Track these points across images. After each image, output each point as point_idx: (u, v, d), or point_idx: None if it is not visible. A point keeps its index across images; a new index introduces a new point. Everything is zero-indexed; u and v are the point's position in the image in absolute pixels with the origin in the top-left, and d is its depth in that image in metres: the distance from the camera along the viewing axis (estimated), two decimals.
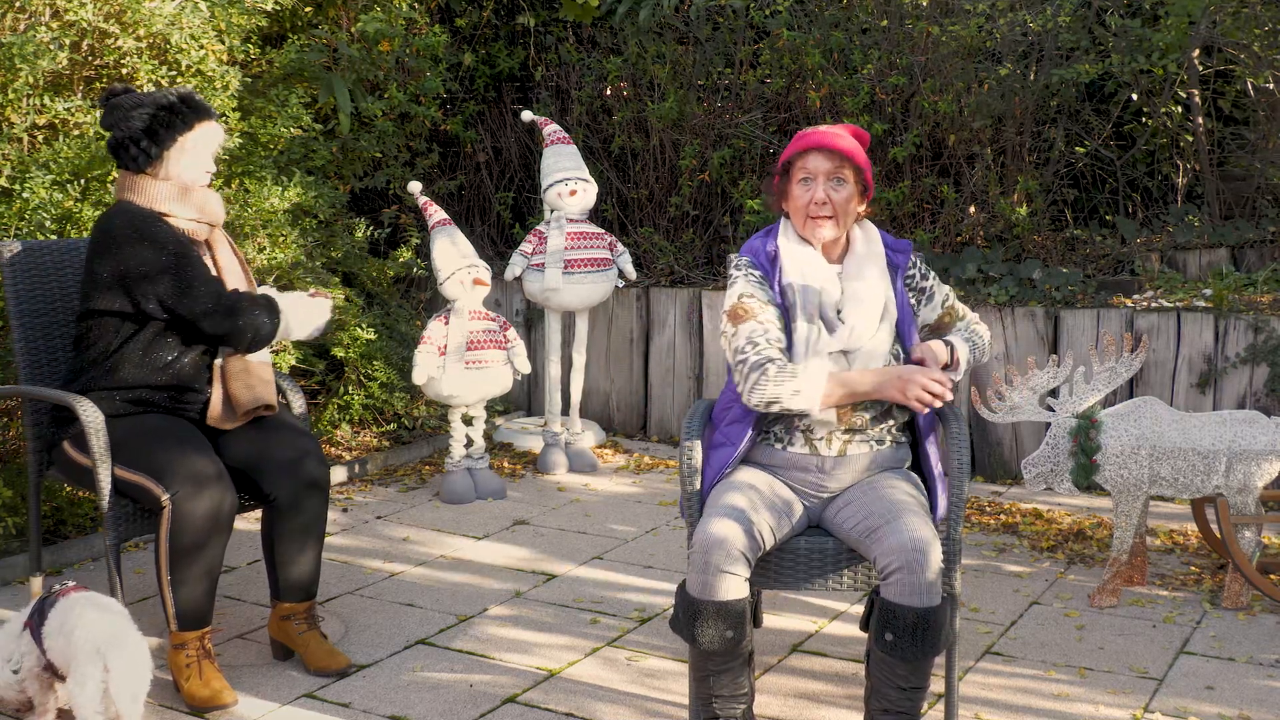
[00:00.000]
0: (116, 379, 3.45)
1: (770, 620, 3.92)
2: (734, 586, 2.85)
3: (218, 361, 3.54)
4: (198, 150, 3.53)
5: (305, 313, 3.63)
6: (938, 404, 2.92)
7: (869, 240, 3.18)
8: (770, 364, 2.95)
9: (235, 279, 3.61)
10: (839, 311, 3.08)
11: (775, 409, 2.96)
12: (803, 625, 3.92)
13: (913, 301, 3.22)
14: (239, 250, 3.74)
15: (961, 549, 3.11)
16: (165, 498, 3.24)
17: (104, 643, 2.90)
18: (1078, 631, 3.84)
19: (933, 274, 3.27)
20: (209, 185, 3.61)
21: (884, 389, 2.95)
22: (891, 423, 3.11)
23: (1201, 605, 4.03)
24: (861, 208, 3.16)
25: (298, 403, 3.85)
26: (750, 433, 3.08)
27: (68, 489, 4.53)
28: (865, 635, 3.00)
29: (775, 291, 3.09)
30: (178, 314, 3.42)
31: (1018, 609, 4.04)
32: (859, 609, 4.01)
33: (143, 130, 3.48)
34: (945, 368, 3.11)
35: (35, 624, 3.05)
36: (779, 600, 4.07)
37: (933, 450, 3.16)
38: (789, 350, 3.04)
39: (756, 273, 3.13)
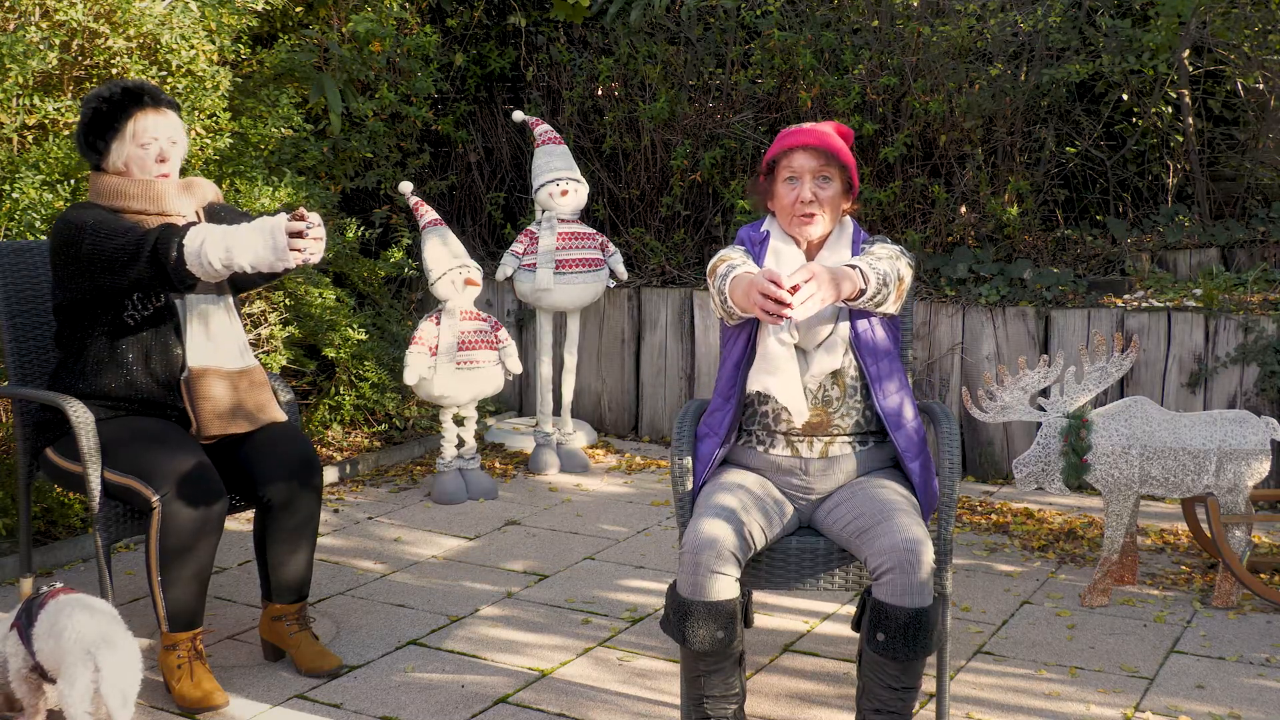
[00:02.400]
0: (91, 385, 3.45)
1: (761, 620, 3.92)
2: (724, 587, 2.85)
3: (184, 376, 3.49)
4: (141, 140, 3.45)
5: (246, 236, 3.16)
6: (776, 317, 2.76)
7: (842, 238, 3.16)
8: (731, 269, 3.00)
9: None
10: None
11: (725, 304, 2.99)
12: (794, 625, 3.92)
13: None
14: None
15: (953, 549, 3.11)
16: (155, 500, 3.23)
17: (94, 644, 2.90)
18: (1069, 631, 3.85)
19: (880, 242, 3.14)
20: (168, 174, 3.50)
21: (744, 297, 2.87)
22: (856, 417, 3.08)
23: (1192, 604, 4.04)
24: (847, 205, 3.15)
25: (284, 396, 3.83)
26: (731, 417, 3.08)
27: (58, 490, 4.52)
28: (857, 635, 3.00)
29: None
30: (104, 284, 3.32)
31: (1009, 608, 4.05)
32: (850, 609, 4.01)
33: (86, 125, 3.47)
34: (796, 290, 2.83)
35: (23, 625, 3.04)
36: (770, 600, 4.07)
37: (902, 441, 3.11)
38: (755, 338, 3.06)
39: (741, 247, 3.17)
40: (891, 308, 3.02)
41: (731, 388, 3.10)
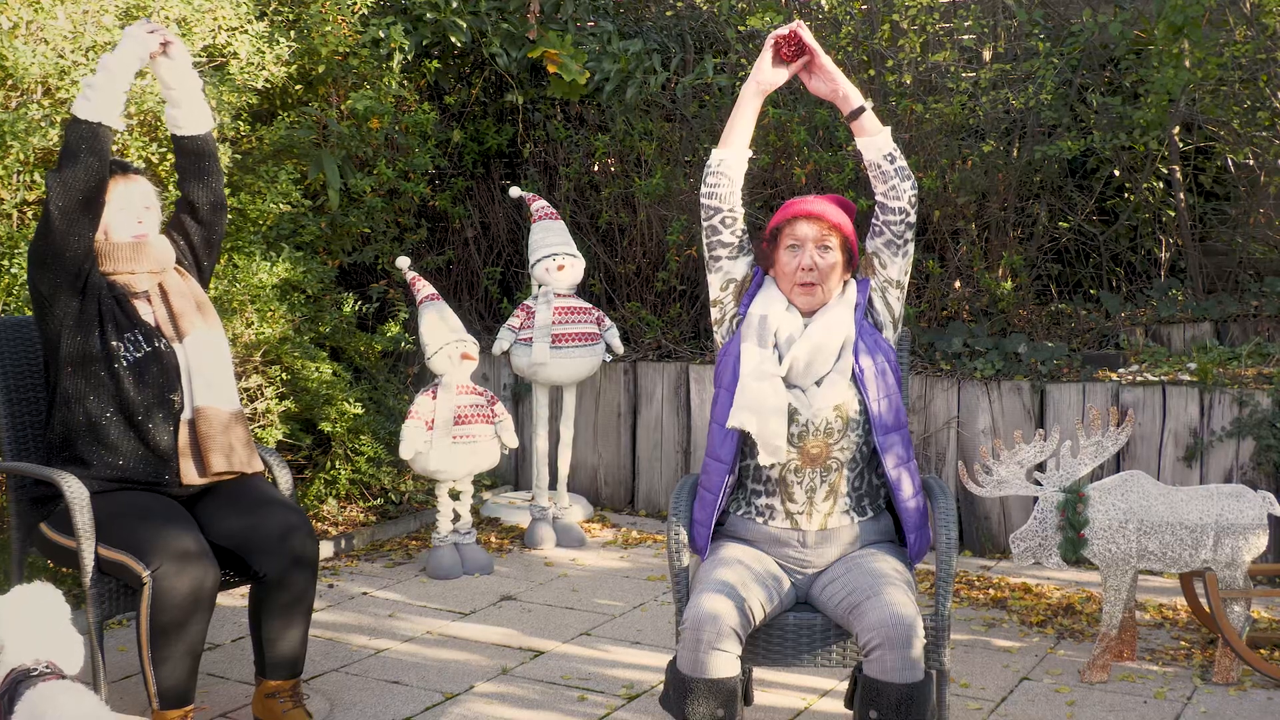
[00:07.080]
0: (90, 449, 3.45)
1: (759, 696, 3.88)
2: (726, 663, 2.83)
3: (185, 417, 3.54)
4: (118, 205, 3.56)
5: (114, 52, 3.50)
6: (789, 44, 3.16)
7: (844, 298, 3.21)
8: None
9: (190, 315, 3.62)
10: (790, 344, 3.11)
11: (717, 162, 3.23)
12: (792, 702, 3.88)
13: (880, 312, 3.25)
14: (195, 285, 3.74)
15: (950, 624, 3.10)
16: (146, 575, 3.21)
17: None
18: (1068, 708, 3.82)
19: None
20: (146, 234, 3.62)
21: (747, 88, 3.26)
22: (853, 452, 3.09)
23: (1192, 680, 4.01)
24: (846, 276, 3.21)
25: (284, 478, 3.83)
26: (734, 457, 3.09)
27: (50, 565, 4.49)
28: (851, 712, 2.98)
29: (742, 306, 3.20)
30: (48, 235, 3.45)
31: (1008, 685, 4.02)
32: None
33: None
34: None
35: (5, 708, 3.00)
36: (768, 676, 4.04)
37: (905, 488, 3.13)
38: (738, 372, 3.11)
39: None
40: (898, 188, 3.18)
41: (724, 446, 3.12)
